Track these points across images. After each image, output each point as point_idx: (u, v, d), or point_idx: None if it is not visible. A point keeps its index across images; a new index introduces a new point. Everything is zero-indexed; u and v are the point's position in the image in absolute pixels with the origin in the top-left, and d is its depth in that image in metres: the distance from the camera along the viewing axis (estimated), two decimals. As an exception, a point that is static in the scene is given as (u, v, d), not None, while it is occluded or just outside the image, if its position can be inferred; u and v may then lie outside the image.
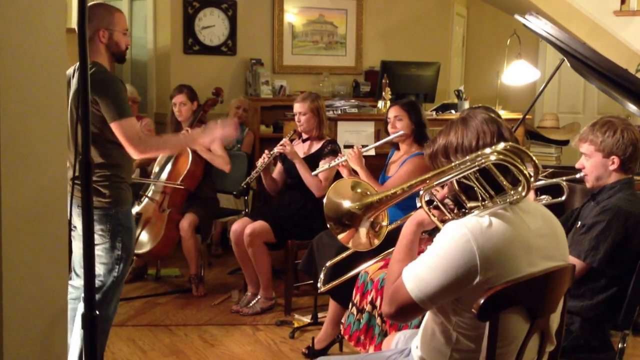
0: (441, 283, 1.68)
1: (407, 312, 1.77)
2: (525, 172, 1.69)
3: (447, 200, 1.88)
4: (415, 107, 3.82)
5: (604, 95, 4.01)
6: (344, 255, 2.61)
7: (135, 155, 2.81)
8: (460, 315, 1.74)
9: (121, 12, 2.90)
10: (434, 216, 1.86)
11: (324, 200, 1.98)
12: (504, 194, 1.74)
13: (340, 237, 1.97)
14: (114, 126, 2.72)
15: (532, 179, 1.73)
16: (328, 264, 2.66)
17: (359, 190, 1.98)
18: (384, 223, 2.00)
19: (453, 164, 1.78)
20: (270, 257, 4.12)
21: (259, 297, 4.16)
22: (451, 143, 1.83)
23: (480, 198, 1.76)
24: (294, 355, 3.55)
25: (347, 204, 1.96)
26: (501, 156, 1.69)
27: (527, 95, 6.10)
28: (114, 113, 2.70)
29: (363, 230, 1.96)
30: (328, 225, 1.97)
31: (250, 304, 4.13)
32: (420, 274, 1.72)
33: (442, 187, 1.89)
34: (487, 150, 1.72)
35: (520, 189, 1.72)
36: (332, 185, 2.03)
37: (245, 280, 4.27)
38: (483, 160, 1.71)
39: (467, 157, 1.75)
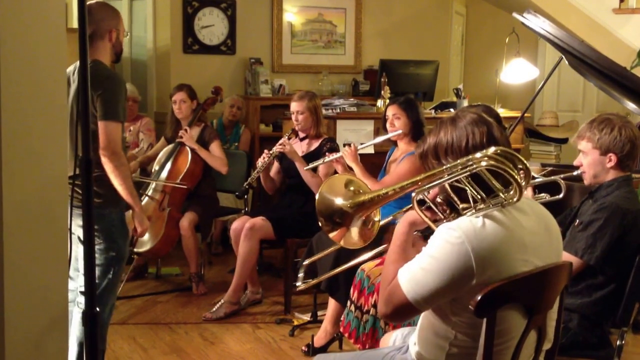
0: (437, 285, 1.69)
1: (403, 312, 1.78)
2: (516, 177, 1.68)
3: (439, 200, 1.88)
4: (412, 105, 3.84)
5: (603, 94, 4.02)
6: (323, 253, 2.64)
7: (103, 159, 2.69)
8: (458, 315, 1.75)
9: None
10: (427, 216, 1.86)
11: (317, 196, 1.97)
12: (497, 199, 1.74)
13: (331, 235, 1.96)
14: (100, 124, 2.66)
15: (524, 184, 1.72)
16: (306, 262, 2.69)
17: (352, 188, 1.96)
18: (376, 219, 1.99)
19: (444, 167, 1.77)
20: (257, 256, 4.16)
21: (247, 292, 4.22)
22: (441, 143, 1.82)
23: (472, 200, 1.76)
24: (293, 353, 3.57)
25: (339, 201, 1.94)
26: (492, 162, 1.68)
27: (526, 94, 6.11)
28: (104, 110, 2.65)
29: (355, 230, 1.95)
30: (319, 222, 1.95)
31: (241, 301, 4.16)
32: (416, 275, 1.73)
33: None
34: (478, 155, 1.71)
35: (512, 192, 1.71)
36: (326, 180, 2.02)
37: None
38: (474, 166, 1.70)
39: (458, 161, 1.74)
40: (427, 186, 1.81)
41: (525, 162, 1.74)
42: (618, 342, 2.55)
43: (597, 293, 2.56)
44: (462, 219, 1.74)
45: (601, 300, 2.56)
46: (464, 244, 1.66)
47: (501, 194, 1.72)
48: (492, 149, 1.71)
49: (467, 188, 1.74)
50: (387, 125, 3.84)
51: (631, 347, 3.56)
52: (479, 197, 1.74)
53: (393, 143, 3.94)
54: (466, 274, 1.67)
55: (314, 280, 2.66)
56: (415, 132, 3.81)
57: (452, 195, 1.80)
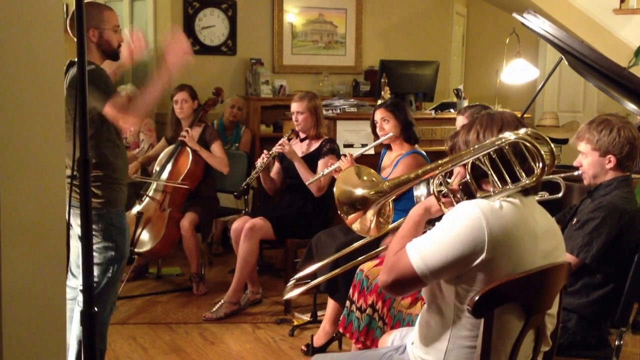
0: (447, 257, 1.70)
1: (405, 283, 1.78)
2: (542, 153, 1.72)
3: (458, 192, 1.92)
4: (399, 107, 3.83)
5: (603, 94, 4.01)
6: (326, 261, 2.65)
7: (132, 124, 2.77)
8: (460, 295, 1.75)
9: (111, 10, 2.87)
10: (443, 204, 1.89)
11: (335, 190, 2.04)
12: (517, 183, 1.76)
13: (349, 217, 2.02)
14: (107, 107, 2.67)
15: (548, 165, 1.75)
16: (300, 274, 2.68)
17: (365, 178, 2.05)
18: (389, 220, 2.05)
19: (472, 148, 1.81)
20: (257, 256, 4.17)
21: (247, 292, 4.23)
22: (474, 136, 1.86)
23: (492, 186, 1.79)
24: (293, 353, 3.57)
25: (359, 191, 2.01)
26: (521, 135, 1.72)
27: (526, 94, 6.10)
28: (103, 95, 2.66)
29: (370, 214, 2.01)
30: (339, 210, 2.02)
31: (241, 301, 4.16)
32: (426, 247, 1.74)
33: (453, 177, 1.93)
34: (507, 133, 1.76)
35: (536, 170, 1.73)
36: (339, 177, 2.09)
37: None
38: (503, 141, 1.74)
39: (487, 141, 1.79)
40: (450, 165, 1.84)
41: (552, 144, 1.77)
42: (617, 343, 2.55)
43: (595, 293, 2.57)
44: (480, 199, 1.77)
45: (599, 300, 2.57)
46: (480, 219, 1.69)
47: (523, 173, 1.75)
48: (522, 130, 1.76)
49: (489, 172, 1.77)
50: (377, 130, 3.84)
51: (630, 348, 3.56)
52: (501, 181, 1.76)
53: (385, 146, 3.93)
54: (477, 248, 1.68)
55: (313, 282, 2.66)
56: (406, 133, 3.81)
57: (472, 182, 1.82)
